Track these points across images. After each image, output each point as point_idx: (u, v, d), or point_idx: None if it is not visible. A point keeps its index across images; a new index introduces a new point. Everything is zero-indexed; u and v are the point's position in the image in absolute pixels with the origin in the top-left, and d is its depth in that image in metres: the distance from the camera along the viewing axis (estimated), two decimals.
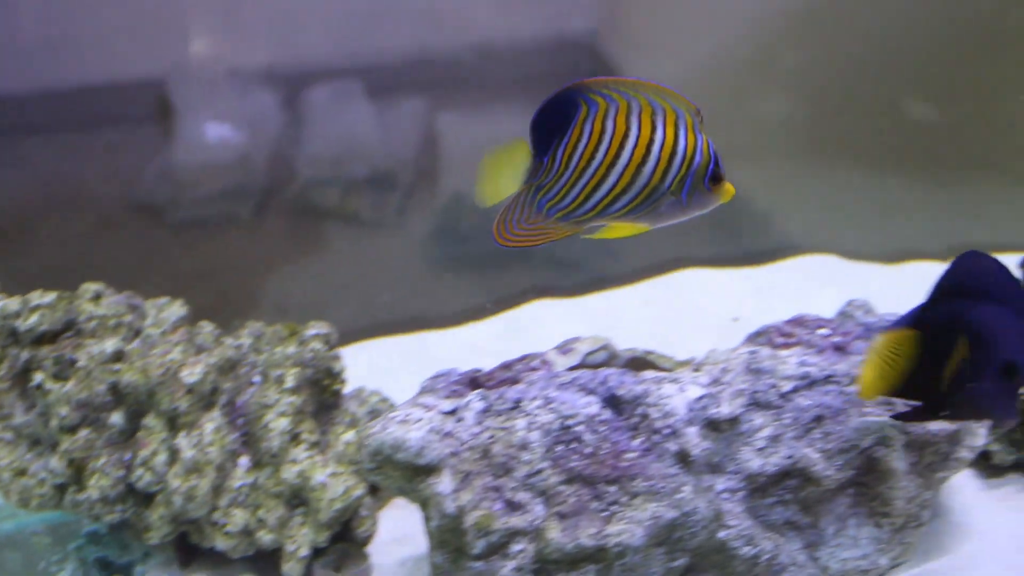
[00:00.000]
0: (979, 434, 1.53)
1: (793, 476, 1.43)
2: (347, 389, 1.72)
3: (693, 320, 2.26)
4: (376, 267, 2.27)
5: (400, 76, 2.17)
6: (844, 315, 1.69)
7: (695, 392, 1.37)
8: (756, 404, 1.44)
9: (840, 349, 1.59)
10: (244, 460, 1.57)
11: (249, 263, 2.18)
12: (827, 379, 1.48)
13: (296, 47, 2.10)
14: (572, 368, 1.51)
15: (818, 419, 1.44)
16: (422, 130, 2.23)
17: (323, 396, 1.67)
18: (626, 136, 1.15)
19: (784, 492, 1.44)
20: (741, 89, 2.42)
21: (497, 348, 2.18)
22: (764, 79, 2.42)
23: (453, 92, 2.23)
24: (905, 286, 2.32)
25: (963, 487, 1.73)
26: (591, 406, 1.38)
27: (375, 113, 2.18)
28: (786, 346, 1.62)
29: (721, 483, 1.40)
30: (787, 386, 1.45)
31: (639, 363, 1.58)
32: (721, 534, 1.37)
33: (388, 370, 2.07)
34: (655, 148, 1.15)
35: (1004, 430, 1.62)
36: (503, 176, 1.17)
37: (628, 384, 1.39)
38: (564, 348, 1.54)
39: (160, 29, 2.04)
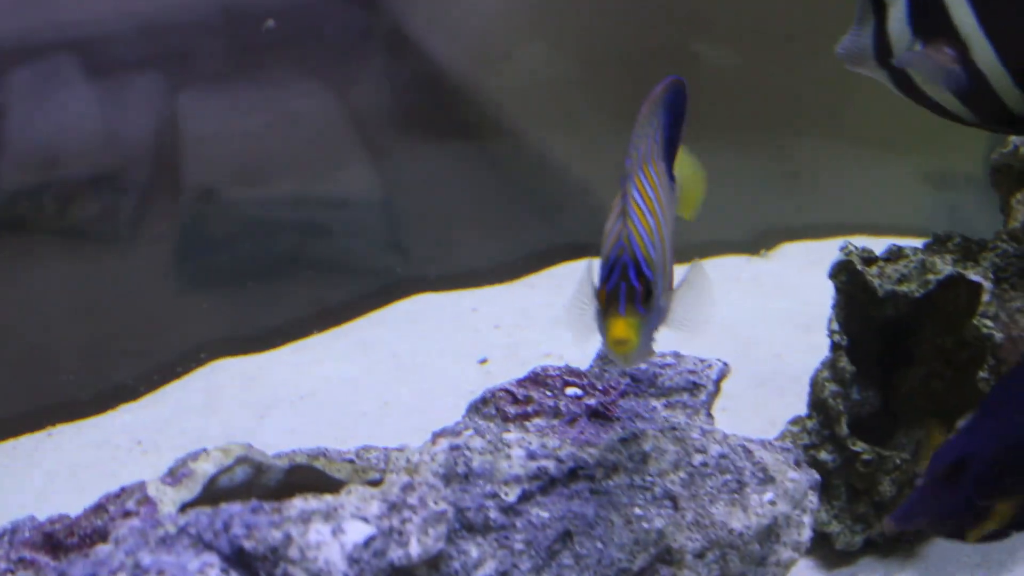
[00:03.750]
0: (804, 524, 1.35)
1: None
2: None
3: (427, 368, 2.04)
4: (106, 293, 2.16)
5: (126, 49, 2.12)
6: (605, 360, 1.48)
7: (360, 531, 1.11)
8: (468, 528, 1.21)
9: (599, 415, 1.38)
10: None
11: None
12: (573, 474, 1.26)
13: None
14: (188, 504, 1.22)
15: (565, 537, 1.23)
16: (158, 114, 2.18)
17: None
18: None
19: None
20: (528, 48, 2.43)
21: (178, 431, 1.95)
22: (555, 35, 2.42)
23: (195, 64, 2.20)
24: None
25: None
26: (210, 571, 1.10)
27: (95, 98, 2.12)
28: (523, 418, 1.39)
29: None
30: (513, 494, 1.23)
31: (302, 475, 1.31)
32: None
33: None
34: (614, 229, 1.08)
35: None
36: None
37: (261, 529, 1.11)
38: (177, 473, 1.25)
39: None
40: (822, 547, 1.58)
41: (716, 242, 2.31)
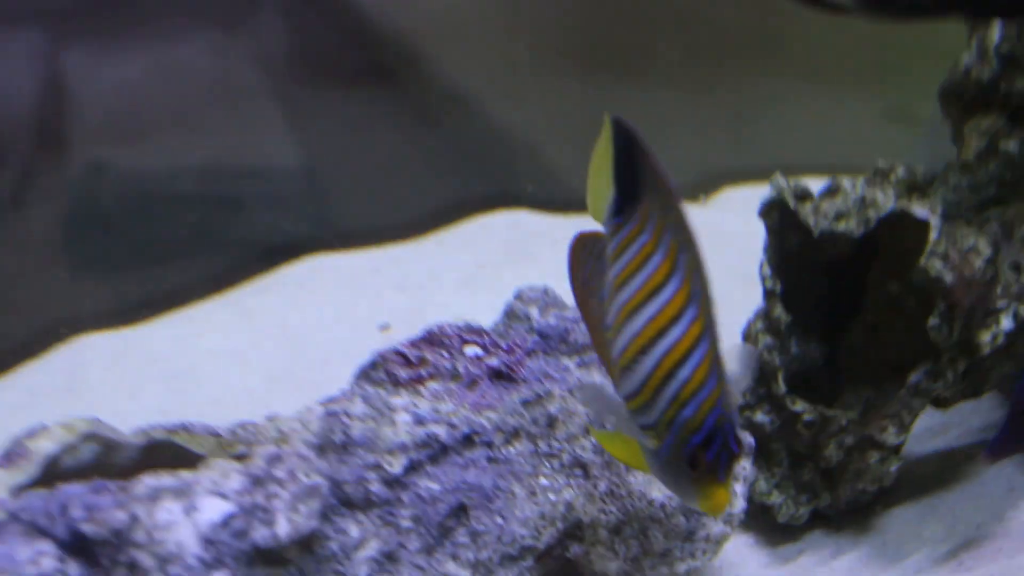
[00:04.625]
0: (736, 493, 1.36)
1: None
2: None
3: (321, 337, 2.03)
4: None
5: (5, 3, 2.11)
6: (511, 316, 1.48)
7: (217, 509, 1.11)
8: (347, 504, 1.21)
9: (502, 377, 1.39)
10: None
11: None
12: (468, 440, 1.26)
13: None
14: (26, 487, 1.21)
15: (459, 512, 1.24)
16: (42, 77, 2.17)
17: None
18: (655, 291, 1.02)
19: None
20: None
21: None
22: None
23: (84, 20, 2.17)
24: None
25: (740, 567, 1.57)
26: (44, 559, 1.11)
27: None
28: (416, 382, 1.39)
29: None
30: (398, 464, 1.23)
31: (161, 453, 1.31)
32: None
33: None
34: (664, 340, 1.01)
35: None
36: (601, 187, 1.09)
37: (104, 510, 1.11)
38: (11, 454, 1.24)
39: None
40: (764, 521, 1.59)
41: None
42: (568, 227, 2.28)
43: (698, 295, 1.00)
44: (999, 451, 1.34)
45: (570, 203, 2.31)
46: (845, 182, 1.48)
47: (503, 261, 2.17)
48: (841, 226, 1.45)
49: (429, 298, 2.10)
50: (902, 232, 1.46)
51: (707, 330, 0.99)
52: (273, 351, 2.01)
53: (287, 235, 2.27)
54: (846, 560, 1.56)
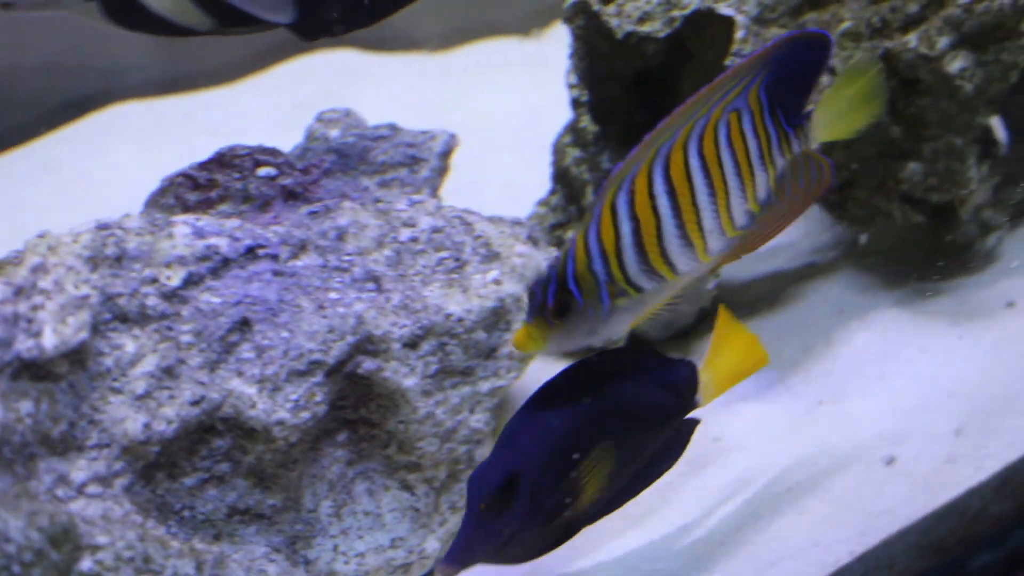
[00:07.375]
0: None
1: (219, 431, 1.27)
2: None
3: (127, 188, 2.05)
4: None
5: None
6: (310, 138, 1.55)
7: None
8: (122, 319, 1.26)
9: (297, 196, 1.45)
10: None
11: None
12: (251, 253, 1.32)
13: None
14: None
15: (243, 326, 1.29)
16: None
17: None
18: None
19: (212, 461, 1.28)
20: None
21: None
22: None
23: None
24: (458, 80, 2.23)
25: None
26: None
27: None
28: (206, 205, 1.46)
29: (80, 470, 1.22)
30: (177, 277, 1.28)
31: None
32: (85, 565, 1.18)
33: None
34: None
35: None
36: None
37: None
38: None
39: None
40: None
41: (482, 24, 2.36)
42: (393, 66, 2.35)
43: None
44: (459, 559, 1.25)
45: (396, 42, 2.35)
46: None
47: (324, 102, 2.21)
48: (646, 28, 1.51)
49: (242, 142, 2.14)
50: (710, 34, 1.53)
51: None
52: (75, 204, 2.04)
53: (90, 84, 2.28)
54: None
